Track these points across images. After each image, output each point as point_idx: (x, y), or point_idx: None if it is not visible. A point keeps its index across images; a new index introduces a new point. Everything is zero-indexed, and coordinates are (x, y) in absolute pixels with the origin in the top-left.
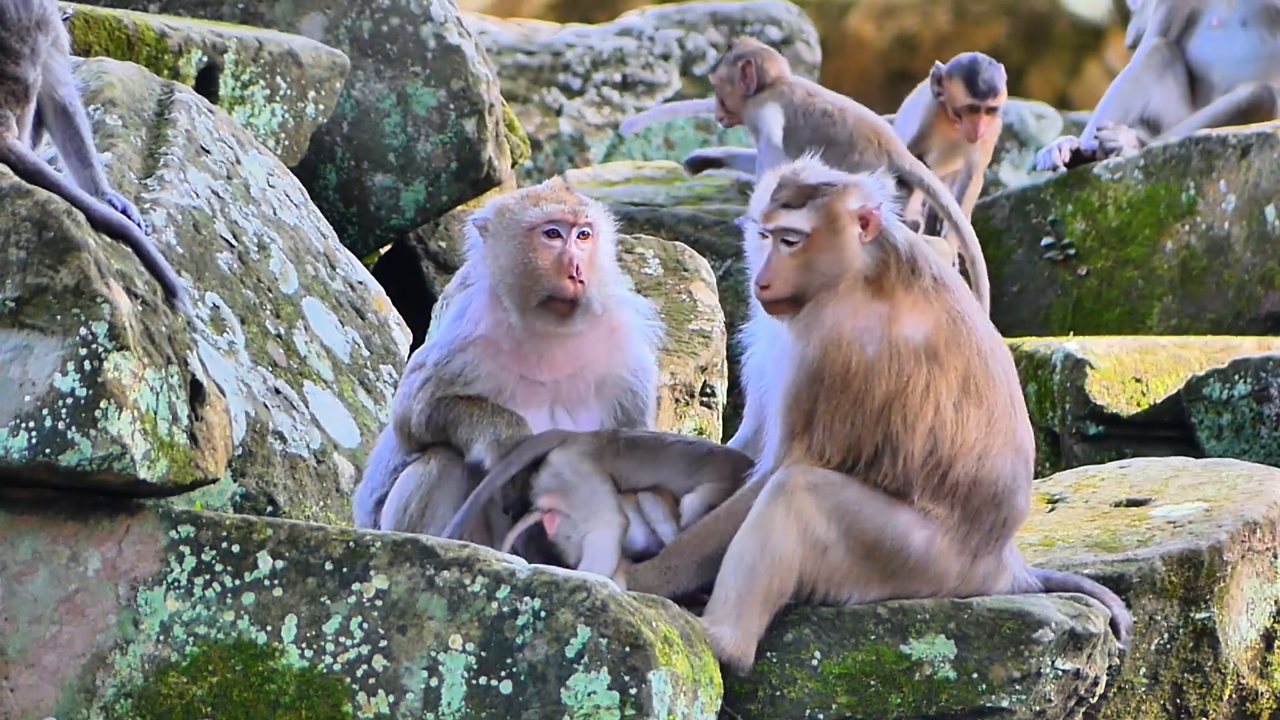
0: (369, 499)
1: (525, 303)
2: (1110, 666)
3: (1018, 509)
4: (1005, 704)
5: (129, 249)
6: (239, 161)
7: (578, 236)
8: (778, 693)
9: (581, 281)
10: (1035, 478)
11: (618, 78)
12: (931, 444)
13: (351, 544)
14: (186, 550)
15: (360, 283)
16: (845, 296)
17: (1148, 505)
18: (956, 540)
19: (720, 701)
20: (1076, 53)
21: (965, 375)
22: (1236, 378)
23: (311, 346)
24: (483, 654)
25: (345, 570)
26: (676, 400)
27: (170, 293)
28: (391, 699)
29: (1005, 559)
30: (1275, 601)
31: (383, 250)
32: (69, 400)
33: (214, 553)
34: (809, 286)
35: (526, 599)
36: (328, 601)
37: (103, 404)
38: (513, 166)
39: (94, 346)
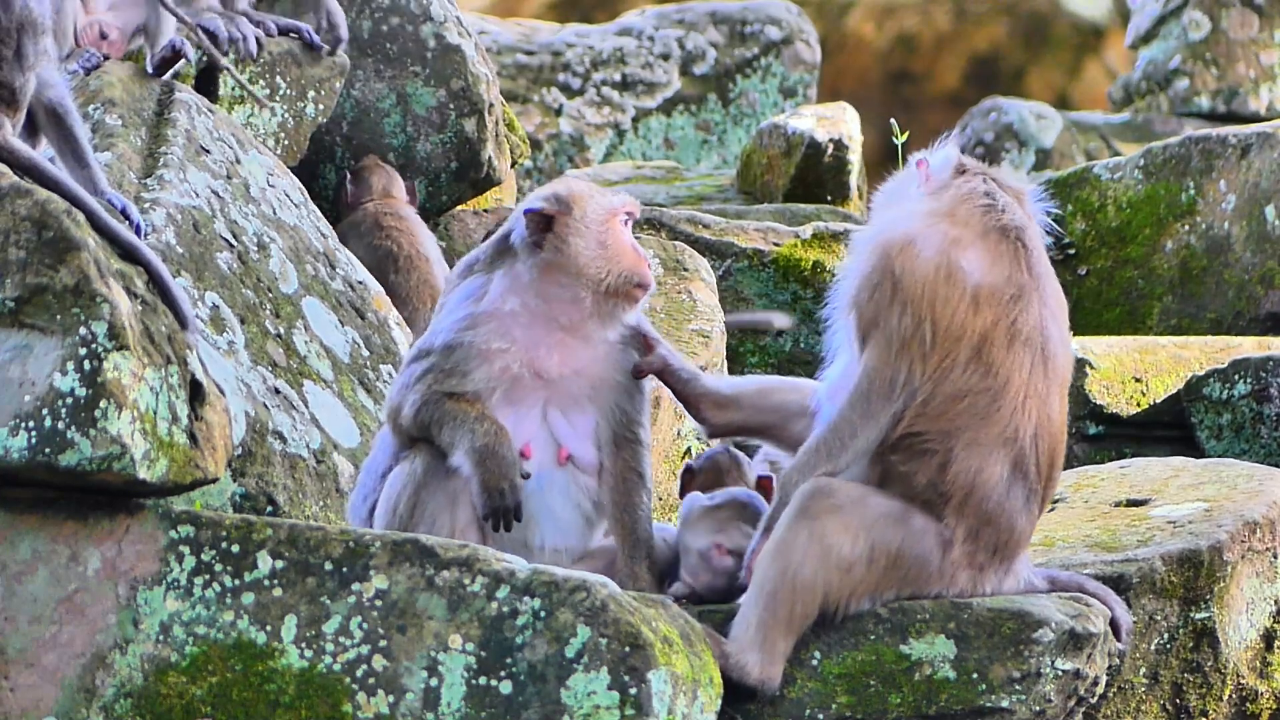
0: (362, 506)
1: (608, 286)
2: (1110, 666)
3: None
4: (1005, 704)
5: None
6: (239, 161)
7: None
8: (778, 692)
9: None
10: None
11: (618, 77)
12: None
13: (351, 544)
14: (186, 550)
15: (360, 282)
16: None
17: (1148, 505)
18: (969, 546)
19: (720, 701)
20: (1076, 53)
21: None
22: (1236, 377)
23: (311, 346)
24: (482, 654)
25: (345, 570)
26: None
27: (183, 325)
28: (391, 699)
29: (1014, 564)
30: (1275, 601)
31: None
32: (69, 400)
33: (214, 553)
34: None
35: (526, 599)
36: (327, 601)
37: (102, 404)
38: (512, 166)
39: (94, 346)
